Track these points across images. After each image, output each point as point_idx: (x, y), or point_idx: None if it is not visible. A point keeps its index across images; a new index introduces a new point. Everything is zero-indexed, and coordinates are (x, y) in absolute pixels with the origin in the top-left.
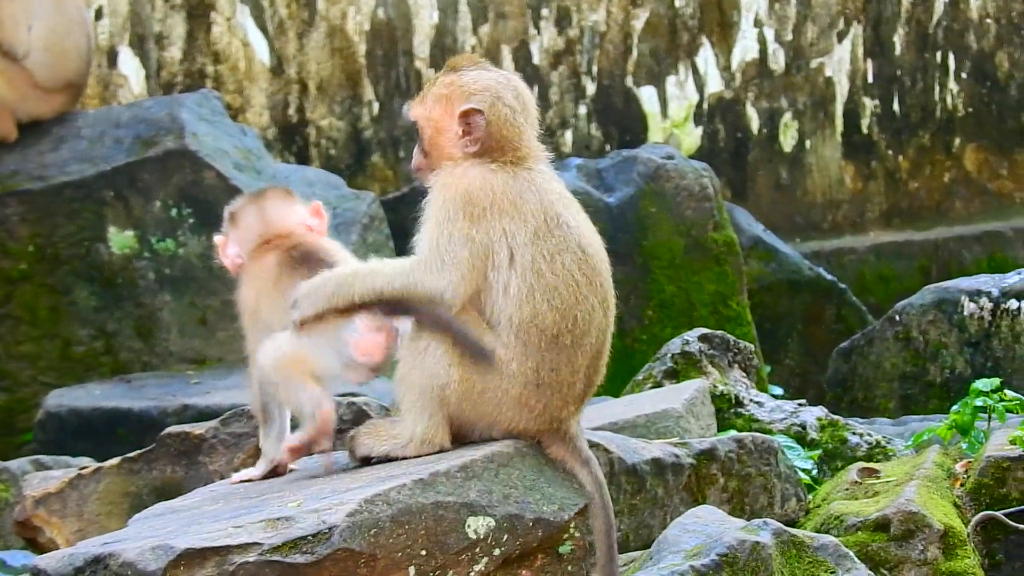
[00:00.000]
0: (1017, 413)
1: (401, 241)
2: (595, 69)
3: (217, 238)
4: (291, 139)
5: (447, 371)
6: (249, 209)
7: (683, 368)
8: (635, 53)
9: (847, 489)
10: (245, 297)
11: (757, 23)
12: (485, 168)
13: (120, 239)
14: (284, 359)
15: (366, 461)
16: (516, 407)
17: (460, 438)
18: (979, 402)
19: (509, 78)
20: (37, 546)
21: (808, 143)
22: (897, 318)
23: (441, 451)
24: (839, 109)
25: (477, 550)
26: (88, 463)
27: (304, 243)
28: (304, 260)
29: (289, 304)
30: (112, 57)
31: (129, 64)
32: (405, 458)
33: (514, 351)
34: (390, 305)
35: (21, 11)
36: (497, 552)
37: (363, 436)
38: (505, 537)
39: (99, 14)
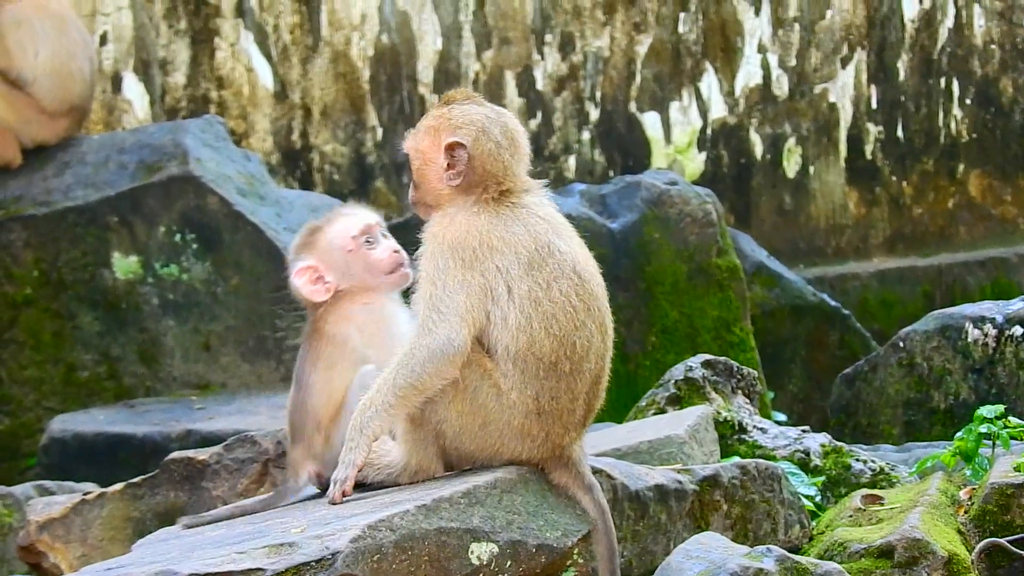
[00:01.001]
0: (1021, 440)
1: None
2: (598, 95)
3: (302, 266)
4: (295, 164)
5: (446, 407)
6: (334, 240)
7: (686, 394)
8: (638, 79)
9: (851, 516)
10: (343, 332)
11: (761, 49)
12: (469, 212)
13: (124, 264)
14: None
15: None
16: (518, 437)
17: (460, 467)
18: (983, 429)
19: (500, 113)
20: (41, 571)
21: (812, 169)
22: (901, 344)
23: (432, 478)
24: (843, 135)
25: None
26: (92, 488)
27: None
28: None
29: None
30: (116, 82)
31: (133, 89)
32: (398, 485)
33: (513, 380)
34: (418, 394)
35: (28, 37)
36: None
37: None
38: (508, 563)
39: (104, 39)
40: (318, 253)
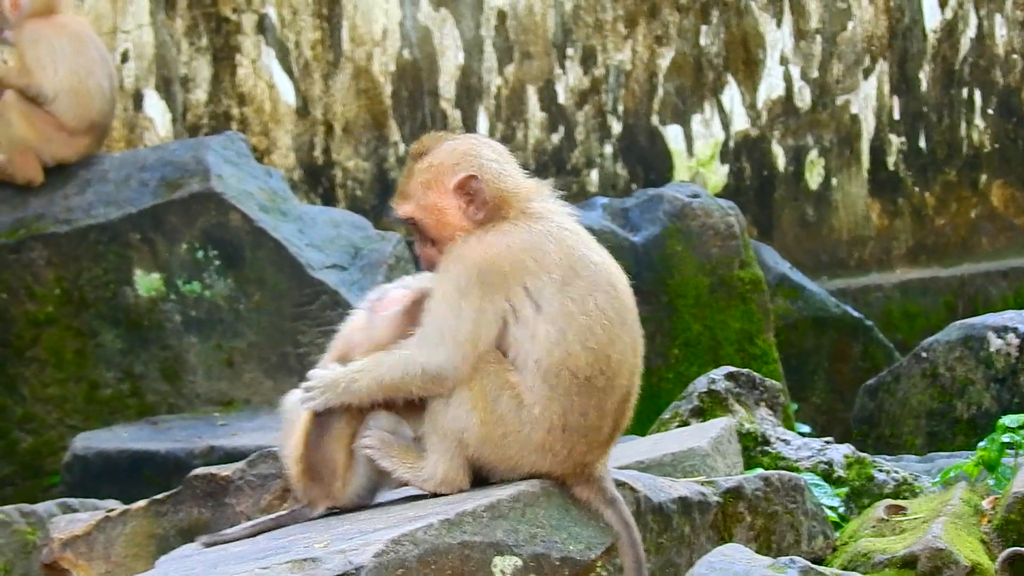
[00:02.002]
0: None
1: None
2: (620, 108)
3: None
4: (317, 180)
5: (468, 415)
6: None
7: (709, 407)
8: (660, 92)
9: (874, 526)
10: None
11: (783, 61)
12: (499, 231)
13: (146, 282)
14: None
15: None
16: (539, 452)
17: (483, 479)
18: (1006, 438)
19: (478, 138)
20: None
21: (834, 180)
22: (924, 355)
23: (460, 491)
24: (865, 146)
25: None
26: (115, 505)
27: None
28: None
29: (301, 390)
30: (138, 100)
31: (155, 106)
32: (423, 492)
33: (538, 395)
34: (398, 393)
35: (46, 55)
36: None
37: (389, 450)
38: None
39: (125, 57)
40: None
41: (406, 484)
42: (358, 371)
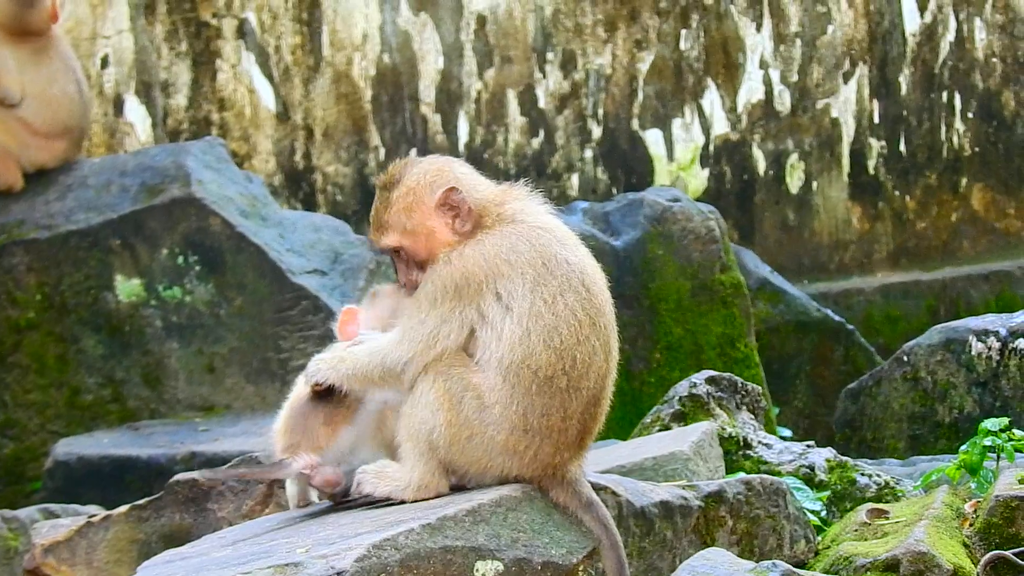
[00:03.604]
0: None
1: None
2: (601, 112)
3: (348, 307)
4: (297, 185)
5: (434, 415)
6: (389, 301)
7: (691, 411)
8: (640, 96)
9: (856, 530)
10: None
11: (763, 65)
12: (476, 242)
13: (127, 287)
14: None
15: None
16: (505, 454)
17: (458, 484)
18: (988, 442)
19: (443, 157)
20: None
21: (815, 184)
22: (905, 358)
23: (438, 496)
24: (845, 150)
25: None
26: (97, 511)
27: None
28: None
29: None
30: (118, 105)
31: (135, 112)
32: (403, 501)
33: (499, 394)
34: (367, 383)
35: (12, 59)
36: None
37: (370, 476)
38: None
39: (105, 62)
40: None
41: (388, 500)
42: (345, 353)
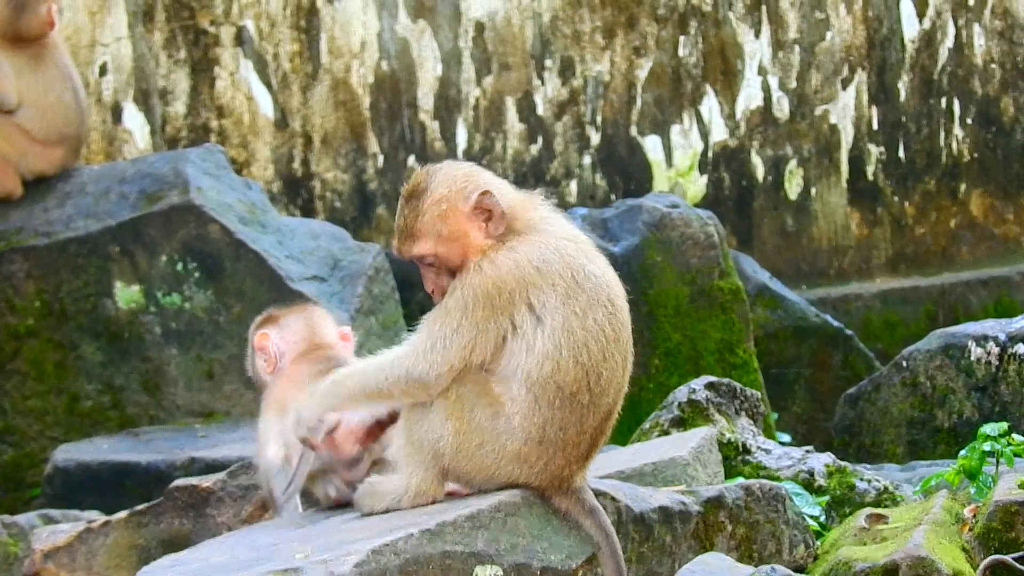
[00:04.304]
0: None
1: (406, 293)
2: (599, 119)
3: (263, 333)
4: (296, 192)
5: (443, 424)
6: (298, 318)
7: (690, 416)
8: (639, 102)
9: (855, 535)
10: (277, 396)
11: (761, 71)
12: (508, 248)
13: (126, 294)
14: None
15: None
16: (515, 463)
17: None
18: (987, 447)
19: (460, 162)
20: None
21: (813, 190)
22: (904, 364)
23: (434, 502)
24: (844, 156)
25: None
26: (96, 517)
27: (338, 355)
28: (342, 362)
29: (291, 422)
30: (117, 112)
31: (134, 119)
32: (401, 510)
33: (520, 405)
34: (381, 399)
35: (8, 65)
36: None
37: (365, 496)
38: None
39: (104, 70)
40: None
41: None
42: (344, 376)
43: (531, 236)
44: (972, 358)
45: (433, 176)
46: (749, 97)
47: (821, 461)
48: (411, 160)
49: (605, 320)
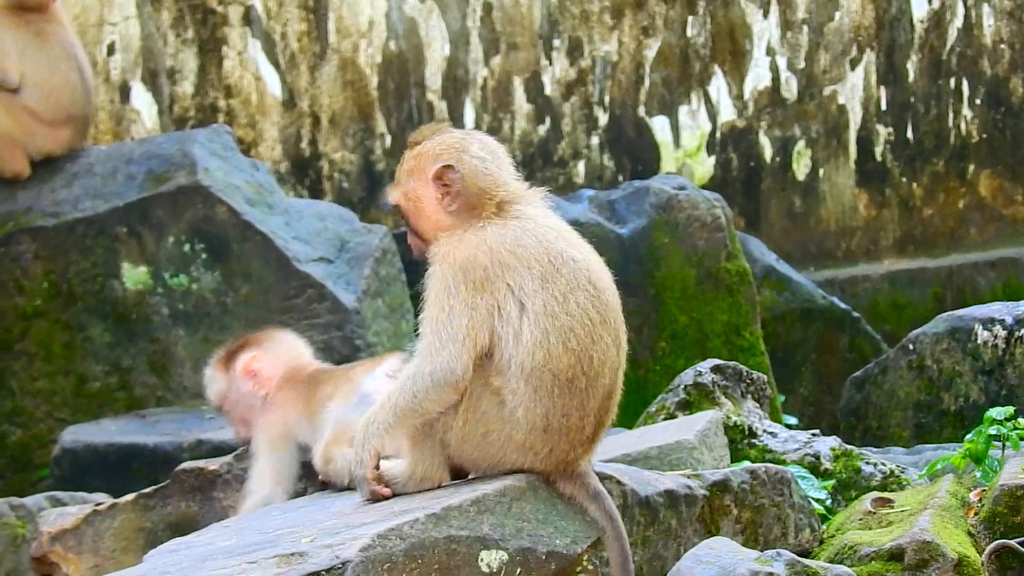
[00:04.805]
0: None
1: (413, 275)
2: (607, 99)
3: (252, 356)
4: (304, 173)
5: (451, 416)
6: (280, 340)
7: (696, 399)
8: (647, 83)
9: (861, 519)
10: (275, 422)
11: (769, 51)
12: (476, 229)
13: (134, 275)
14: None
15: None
16: (520, 451)
17: (463, 475)
18: (993, 431)
19: (472, 134)
20: None
21: (821, 171)
22: (911, 347)
23: (439, 486)
24: (852, 137)
25: None
26: (104, 499)
27: (317, 373)
28: (325, 377)
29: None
30: (125, 92)
31: (142, 99)
32: (406, 494)
33: (522, 397)
34: (417, 416)
35: (11, 42)
36: None
37: (376, 485)
38: (518, 571)
39: (112, 49)
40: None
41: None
42: (375, 413)
43: (508, 221)
44: (979, 341)
45: (433, 134)
46: (757, 77)
47: (827, 445)
48: (418, 149)
49: (588, 303)
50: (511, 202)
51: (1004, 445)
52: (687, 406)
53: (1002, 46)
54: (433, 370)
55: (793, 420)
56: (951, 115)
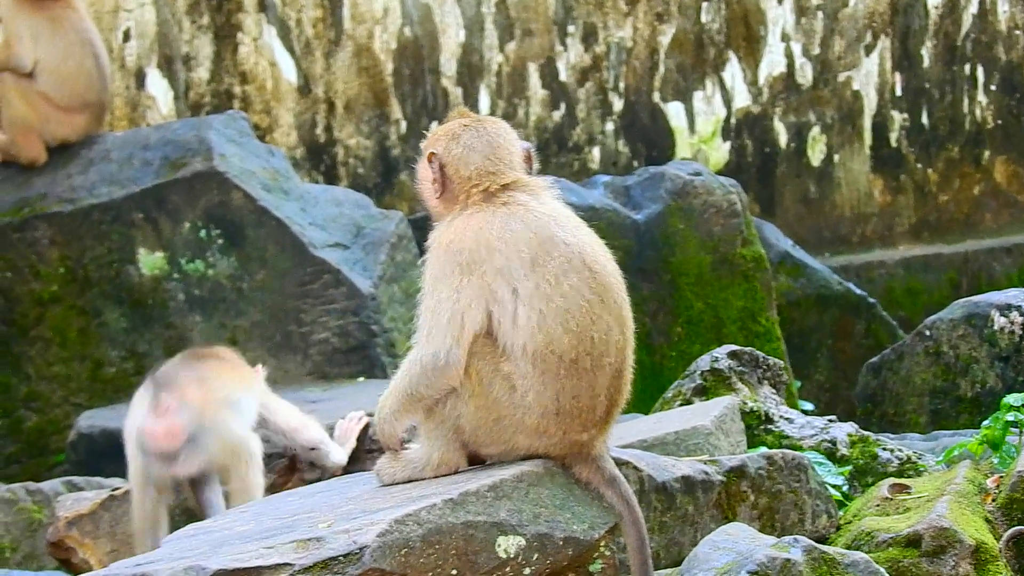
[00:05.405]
0: None
1: None
2: (622, 85)
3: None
4: (319, 159)
5: (464, 403)
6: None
7: (712, 385)
8: (662, 69)
9: (878, 505)
10: None
11: (784, 37)
12: (463, 216)
13: (149, 260)
14: None
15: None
16: (534, 434)
17: (479, 460)
18: (1010, 417)
19: (480, 121)
20: (70, 567)
21: (836, 157)
22: (927, 333)
23: (457, 471)
24: (867, 123)
25: (508, 569)
26: (120, 484)
27: None
28: None
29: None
30: (140, 78)
31: (157, 85)
32: (423, 479)
33: (532, 381)
34: (416, 401)
35: (26, 28)
36: (527, 571)
37: (386, 465)
38: (535, 556)
39: (127, 36)
40: None
41: (409, 481)
42: (383, 399)
43: (498, 208)
44: (995, 327)
45: (453, 119)
46: (772, 63)
47: (844, 431)
48: (434, 126)
49: (582, 284)
50: (506, 190)
51: (1021, 431)
52: (703, 392)
53: (1017, 32)
54: (423, 356)
55: (809, 406)
56: (966, 101)
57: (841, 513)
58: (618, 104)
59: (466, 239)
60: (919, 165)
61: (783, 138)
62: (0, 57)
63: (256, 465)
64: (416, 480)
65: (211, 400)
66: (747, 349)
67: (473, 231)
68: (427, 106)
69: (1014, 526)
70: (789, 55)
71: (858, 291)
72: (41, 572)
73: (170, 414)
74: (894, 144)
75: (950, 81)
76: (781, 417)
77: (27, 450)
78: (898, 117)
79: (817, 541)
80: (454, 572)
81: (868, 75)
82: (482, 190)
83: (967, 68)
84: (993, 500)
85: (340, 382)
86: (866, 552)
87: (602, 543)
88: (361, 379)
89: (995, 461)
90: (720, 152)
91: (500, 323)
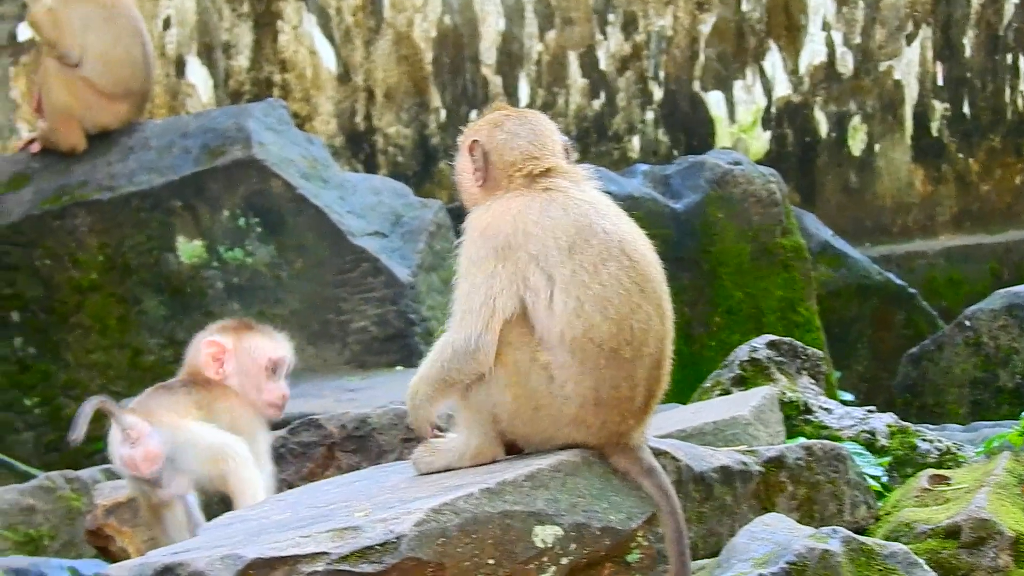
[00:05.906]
0: None
1: None
2: (662, 74)
3: (211, 339)
4: (358, 147)
5: (502, 392)
6: (261, 339)
7: (751, 375)
8: (702, 58)
9: (917, 496)
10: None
11: (825, 26)
12: (502, 200)
13: (188, 249)
14: None
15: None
16: (572, 425)
17: (517, 450)
18: None
19: (520, 112)
20: (109, 555)
21: (877, 147)
22: (967, 323)
23: (494, 461)
24: (908, 112)
25: (545, 559)
26: None
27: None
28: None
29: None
30: (180, 66)
31: (197, 73)
32: (460, 469)
33: (570, 371)
34: (447, 386)
35: (77, 17)
36: (565, 561)
37: (423, 454)
38: (572, 546)
39: (167, 24)
40: (237, 345)
41: (447, 470)
42: (414, 383)
43: (540, 194)
44: None
45: (493, 112)
46: (813, 52)
47: (883, 421)
48: (473, 115)
49: (621, 273)
50: (547, 175)
51: None
52: (742, 382)
53: None
54: (455, 340)
55: (849, 396)
56: (1008, 91)
57: (880, 504)
58: (658, 93)
59: (503, 223)
60: (960, 155)
61: (824, 127)
62: (52, 36)
63: (246, 462)
64: (453, 469)
65: (180, 421)
66: (786, 339)
67: (512, 215)
68: (467, 95)
69: None
70: (830, 44)
71: (898, 281)
72: (79, 560)
73: (143, 439)
74: (935, 134)
75: (992, 70)
76: (820, 407)
77: (65, 437)
78: (939, 106)
79: (856, 532)
80: (491, 562)
81: (909, 64)
82: (525, 174)
83: (1009, 57)
84: None
85: (378, 371)
86: (905, 543)
87: (639, 533)
88: (399, 368)
89: None
90: (760, 141)
91: (535, 310)
